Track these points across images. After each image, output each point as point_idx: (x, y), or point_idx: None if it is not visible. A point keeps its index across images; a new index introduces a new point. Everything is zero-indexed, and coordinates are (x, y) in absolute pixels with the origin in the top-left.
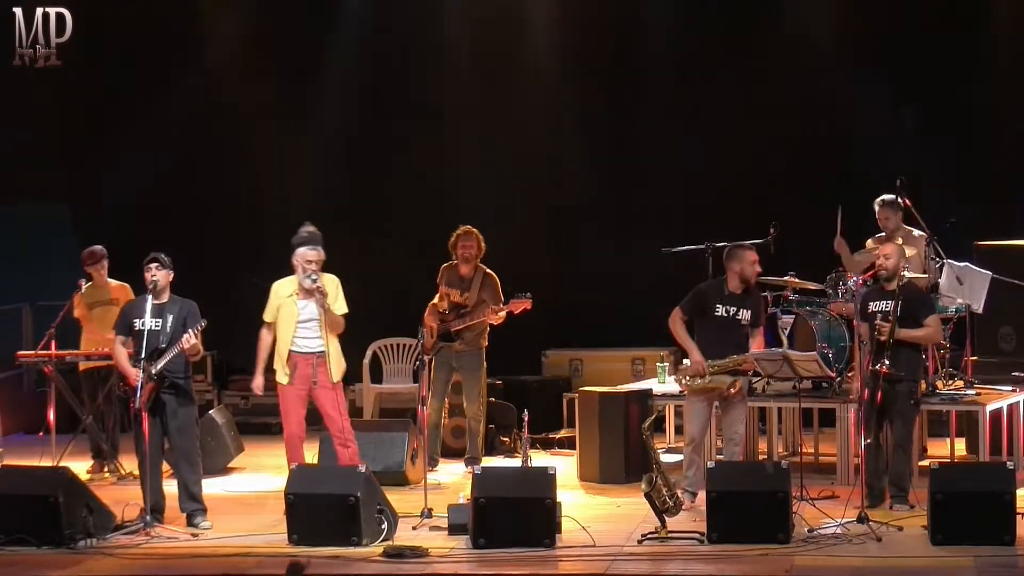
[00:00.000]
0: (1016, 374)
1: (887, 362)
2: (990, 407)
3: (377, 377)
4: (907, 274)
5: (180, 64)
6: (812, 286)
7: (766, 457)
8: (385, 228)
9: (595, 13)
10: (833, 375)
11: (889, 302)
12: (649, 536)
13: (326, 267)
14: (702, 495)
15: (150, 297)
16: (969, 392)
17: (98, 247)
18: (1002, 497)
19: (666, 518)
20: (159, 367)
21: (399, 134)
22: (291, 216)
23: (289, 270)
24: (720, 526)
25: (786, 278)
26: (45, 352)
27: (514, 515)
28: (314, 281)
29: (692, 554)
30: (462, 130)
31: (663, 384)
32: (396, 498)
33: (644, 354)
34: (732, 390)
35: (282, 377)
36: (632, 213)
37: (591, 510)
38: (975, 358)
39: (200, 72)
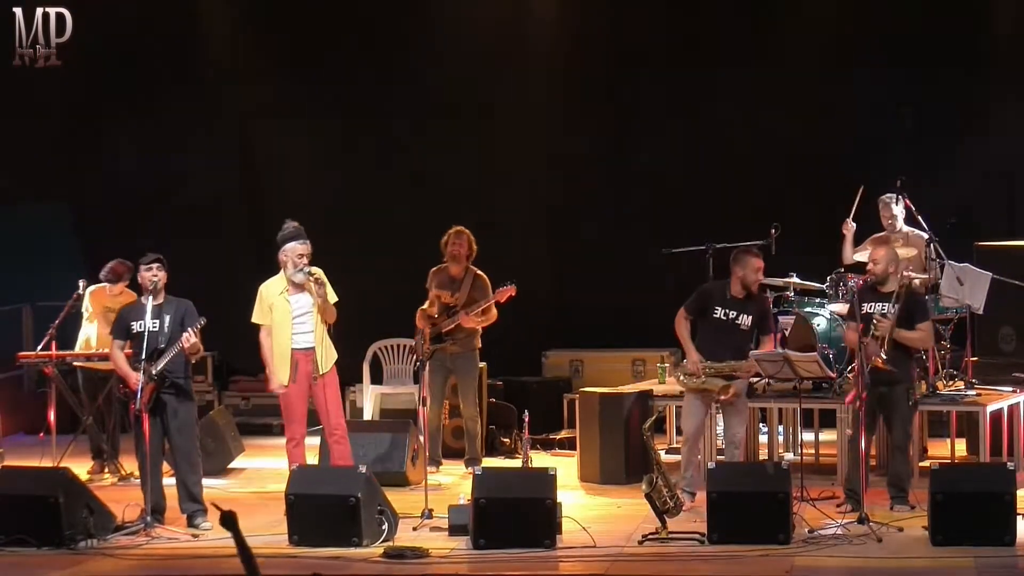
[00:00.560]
0: (1017, 375)
1: (884, 357)
2: (990, 408)
3: (377, 378)
4: (912, 275)
5: (179, 64)
6: (813, 286)
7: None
8: (385, 228)
9: (595, 12)
10: (834, 375)
11: (884, 304)
12: (650, 537)
13: (326, 267)
14: (701, 495)
15: (151, 298)
16: (970, 393)
17: (120, 266)
18: (1002, 498)
19: (667, 519)
20: (159, 368)
21: (399, 134)
22: (291, 216)
23: (275, 270)
24: (721, 527)
25: (787, 279)
26: (45, 353)
27: (514, 516)
28: (308, 274)
29: (693, 555)
30: (462, 130)
31: (664, 384)
32: (396, 499)
33: (644, 355)
34: (723, 396)
35: (284, 377)
36: (632, 213)
37: (591, 511)
38: (975, 359)
39: (200, 72)
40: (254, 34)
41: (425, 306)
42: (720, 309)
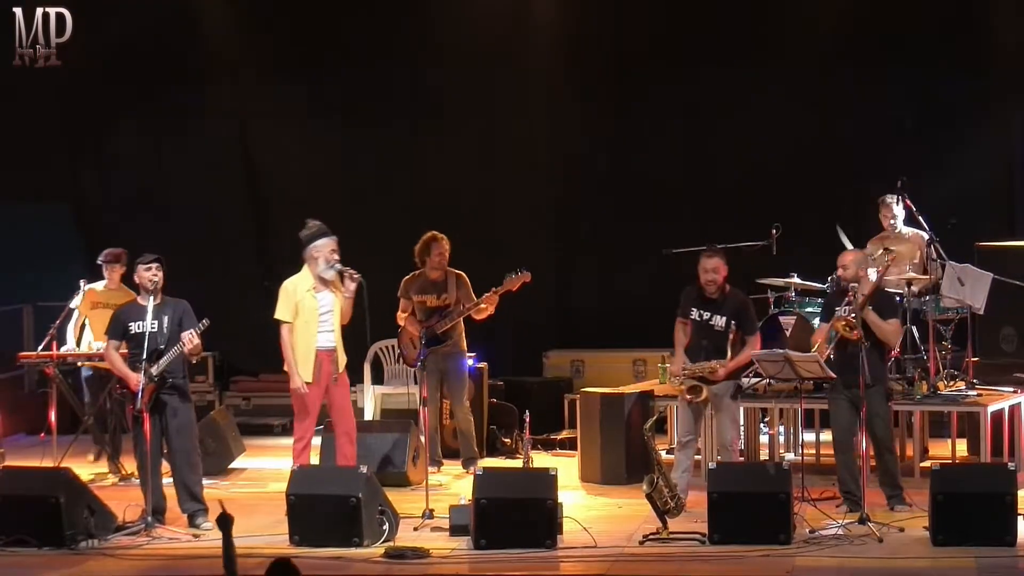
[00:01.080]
0: (1017, 375)
1: (860, 332)
2: (991, 408)
3: (378, 378)
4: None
5: (179, 64)
6: (814, 287)
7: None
8: (385, 228)
9: (595, 13)
10: (834, 376)
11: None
12: (650, 537)
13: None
14: (693, 496)
15: (151, 298)
16: (970, 393)
17: (121, 250)
18: (1003, 498)
19: (667, 519)
20: (160, 368)
21: (398, 134)
22: (291, 216)
23: (298, 267)
24: (721, 527)
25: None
26: (46, 353)
27: (515, 516)
28: (340, 271)
29: (693, 555)
30: (462, 129)
31: (664, 385)
32: (397, 499)
33: (645, 355)
34: (688, 396)
35: (308, 375)
36: (632, 213)
37: (592, 511)
38: (976, 359)
39: (200, 72)
40: (254, 34)
41: (407, 314)
42: (695, 310)
